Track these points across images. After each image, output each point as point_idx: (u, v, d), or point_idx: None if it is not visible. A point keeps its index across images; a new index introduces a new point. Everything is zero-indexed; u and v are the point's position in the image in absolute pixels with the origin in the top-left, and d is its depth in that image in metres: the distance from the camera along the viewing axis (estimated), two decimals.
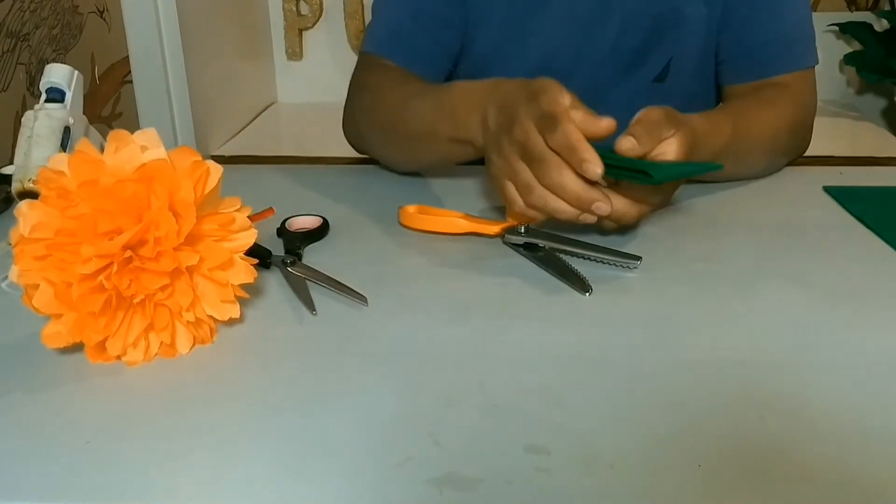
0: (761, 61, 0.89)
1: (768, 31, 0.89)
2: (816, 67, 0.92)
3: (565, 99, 0.62)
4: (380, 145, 0.89)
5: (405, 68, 0.90)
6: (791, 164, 0.90)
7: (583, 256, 0.65)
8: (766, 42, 0.89)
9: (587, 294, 0.60)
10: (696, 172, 0.68)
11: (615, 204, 0.62)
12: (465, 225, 0.71)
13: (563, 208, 0.61)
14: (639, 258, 0.64)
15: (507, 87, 0.67)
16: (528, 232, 0.68)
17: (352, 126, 0.94)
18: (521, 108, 0.62)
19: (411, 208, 0.73)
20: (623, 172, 0.60)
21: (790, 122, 0.87)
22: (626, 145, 0.62)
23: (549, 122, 0.60)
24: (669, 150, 0.64)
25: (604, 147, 0.60)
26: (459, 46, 0.96)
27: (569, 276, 0.63)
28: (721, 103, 0.97)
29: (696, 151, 0.67)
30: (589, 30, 0.92)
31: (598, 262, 0.65)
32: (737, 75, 0.91)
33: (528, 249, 0.67)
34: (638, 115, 0.65)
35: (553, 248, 0.66)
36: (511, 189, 0.63)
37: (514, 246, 0.68)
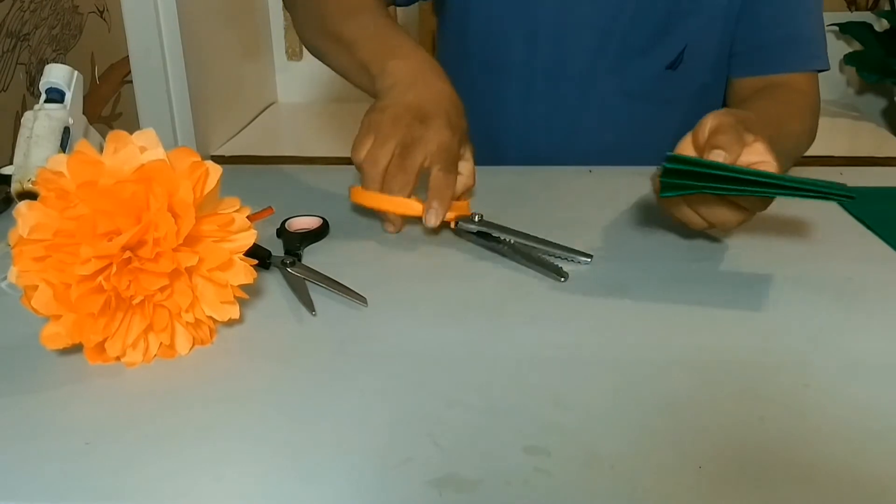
0: (773, 57, 0.90)
1: (784, 28, 0.89)
2: None
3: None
4: (306, 19, 0.89)
5: None
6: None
7: (534, 248, 0.66)
8: (781, 38, 0.89)
9: (563, 280, 0.61)
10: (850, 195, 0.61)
11: (718, 214, 0.63)
12: (416, 207, 0.69)
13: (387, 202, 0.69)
14: (590, 256, 0.64)
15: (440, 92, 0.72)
16: (481, 221, 0.69)
17: (297, 24, 0.92)
18: (445, 131, 0.69)
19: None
20: (809, 195, 0.58)
21: (810, 131, 0.88)
22: (718, 160, 0.61)
23: (447, 163, 0.68)
24: (758, 151, 0.62)
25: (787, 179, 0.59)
26: None
27: (542, 263, 0.63)
28: (731, 97, 0.97)
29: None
30: (603, 9, 0.91)
31: (548, 255, 0.66)
32: (746, 68, 0.92)
33: (482, 237, 0.68)
34: (708, 124, 0.63)
35: (506, 239, 0.67)
36: (370, 166, 0.69)
37: (468, 234, 0.69)
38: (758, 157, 0.62)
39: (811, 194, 0.58)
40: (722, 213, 0.63)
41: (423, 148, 0.68)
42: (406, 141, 0.68)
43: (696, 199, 0.63)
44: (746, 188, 0.57)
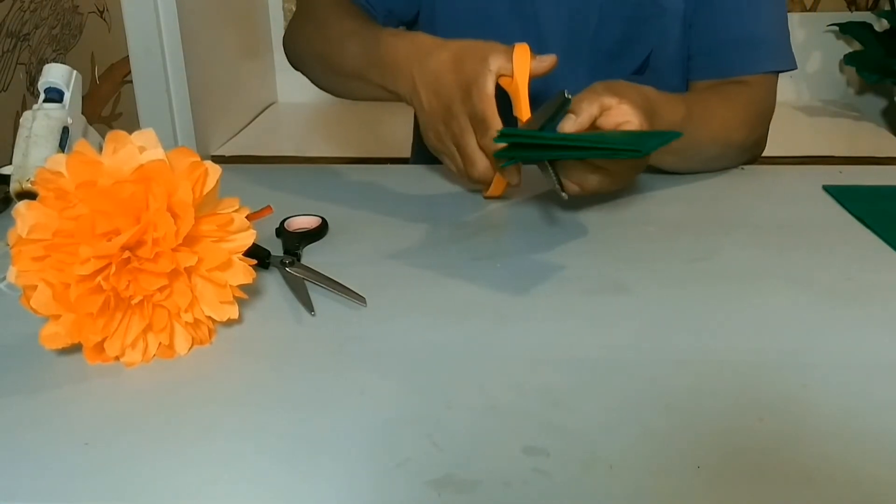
0: (724, 60, 0.89)
1: (733, 31, 0.89)
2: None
3: (492, 85, 0.69)
4: (316, 74, 0.95)
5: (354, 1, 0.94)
6: (790, 163, 0.90)
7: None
8: (729, 41, 0.89)
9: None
10: (664, 142, 0.65)
11: (581, 179, 0.69)
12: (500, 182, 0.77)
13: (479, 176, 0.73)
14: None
15: (436, 64, 0.73)
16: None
17: (292, 48, 0.98)
18: (456, 103, 0.71)
19: None
20: (606, 152, 0.64)
21: (743, 117, 0.87)
22: (567, 126, 0.66)
23: (481, 127, 0.69)
24: (622, 112, 0.67)
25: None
26: (416, 9, 0.98)
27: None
28: None
29: (654, 118, 0.70)
30: (568, 19, 0.92)
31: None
32: (700, 72, 0.91)
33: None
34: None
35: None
36: (451, 164, 0.75)
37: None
38: (622, 117, 0.67)
39: (607, 152, 0.63)
40: (580, 176, 0.69)
41: (457, 130, 0.71)
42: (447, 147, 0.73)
43: (562, 167, 0.68)
44: (564, 153, 0.65)
